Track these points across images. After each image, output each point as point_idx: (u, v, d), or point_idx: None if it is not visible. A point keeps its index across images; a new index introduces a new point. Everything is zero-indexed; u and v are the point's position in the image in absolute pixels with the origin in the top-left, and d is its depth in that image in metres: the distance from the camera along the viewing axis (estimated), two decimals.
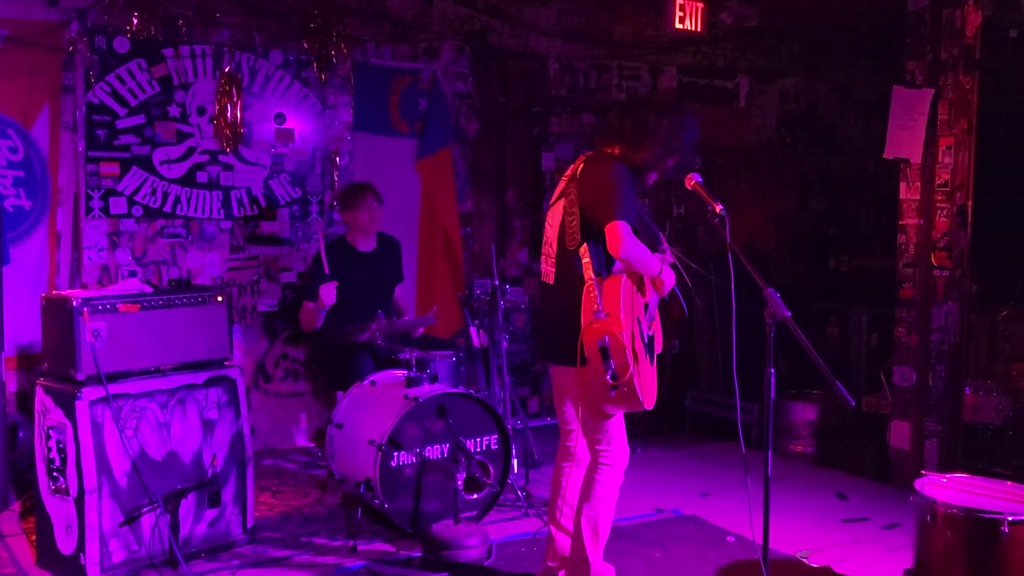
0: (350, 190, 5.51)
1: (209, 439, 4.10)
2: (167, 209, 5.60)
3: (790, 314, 2.95)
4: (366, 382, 4.80)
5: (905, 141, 5.35)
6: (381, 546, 4.30)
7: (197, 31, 5.63)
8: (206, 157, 5.70)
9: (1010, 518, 3.39)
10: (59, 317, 3.80)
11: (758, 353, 3.11)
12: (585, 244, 3.40)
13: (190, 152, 5.65)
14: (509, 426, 4.78)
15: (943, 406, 5.33)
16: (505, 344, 5.23)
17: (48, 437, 3.83)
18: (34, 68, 5.17)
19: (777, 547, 4.11)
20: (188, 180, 5.65)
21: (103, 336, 3.78)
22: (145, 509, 3.87)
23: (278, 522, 4.64)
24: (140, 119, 5.49)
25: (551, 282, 3.57)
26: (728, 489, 5.20)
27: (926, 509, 3.57)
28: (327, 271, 5.12)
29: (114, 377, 3.80)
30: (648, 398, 3.33)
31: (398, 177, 6.27)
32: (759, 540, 3.08)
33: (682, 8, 5.67)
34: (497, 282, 5.19)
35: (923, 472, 4.11)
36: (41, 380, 3.93)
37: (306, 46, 5.95)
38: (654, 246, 3.53)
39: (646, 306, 3.51)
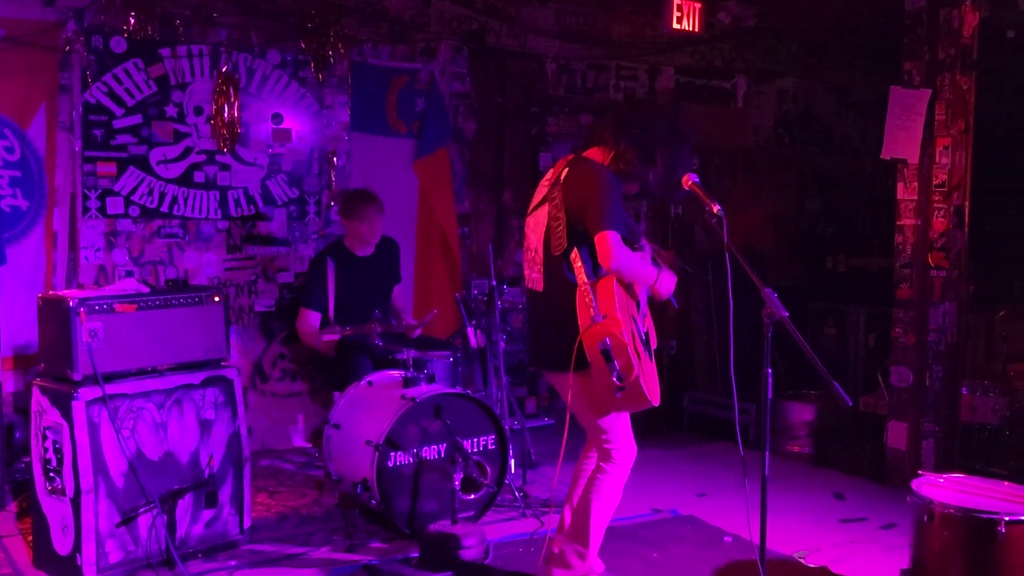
0: (351, 198, 5.39)
1: (206, 439, 4.09)
2: (164, 209, 5.60)
3: (787, 314, 2.95)
4: (363, 382, 4.79)
5: (903, 141, 5.35)
6: (378, 546, 4.30)
7: (194, 31, 5.63)
8: (203, 157, 5.69)
9: (1007, 518, 3.40)
10: (56, 317, 3.80)
11: (755, 353, 3.10)
12: (576, 250, 3.37)
13: (187, 152, 5.64)
14: (506, 426, 4.77)
15: (940, 406, 5.33)
16: (502, 344, 5.22)
17: (44, 437, 3.83)
18: (31, 68, 5.16)
19: (774, 547, 4.12)
20: (185, 180, 5.64)
21: (100, 336, 3.78)
22: (142, 509, 3.87)
23: (275, 522, 4.63)
24: (137, 119, 5.48)
25: (539, 289, 3.54)
26: (725, 489, 5.20)
27: (923, 509, 3.58)
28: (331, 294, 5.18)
29: (111, 377, 3.80)
30: (654, 394, 3.32)
31: (396, 177, 6.26)
32: (756, 540, 3.08)
33: (680, 8, 5.66)
34: (495, 282, 5.16)
35: (920, 472, 4.11)
36: (37, 380, 3.92)
37: (303, 46, 5.94)
38: (633, 244, 3.51)
39: (638, 304, 3.51)
